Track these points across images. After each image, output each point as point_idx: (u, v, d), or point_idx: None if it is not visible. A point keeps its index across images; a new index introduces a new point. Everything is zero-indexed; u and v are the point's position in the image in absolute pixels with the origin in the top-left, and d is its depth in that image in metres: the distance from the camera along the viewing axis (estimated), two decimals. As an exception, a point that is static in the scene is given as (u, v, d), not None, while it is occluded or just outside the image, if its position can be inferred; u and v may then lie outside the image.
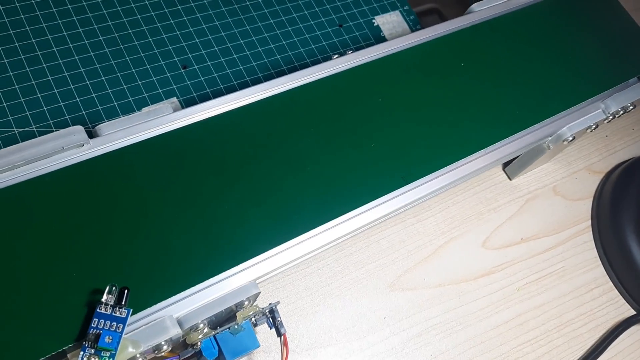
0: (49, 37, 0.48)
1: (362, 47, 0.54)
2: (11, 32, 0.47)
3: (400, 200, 0.42)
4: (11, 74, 0.46)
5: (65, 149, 0.36)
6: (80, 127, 0.37)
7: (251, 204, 0.38)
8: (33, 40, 0.48)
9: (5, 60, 0.46)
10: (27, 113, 0.45)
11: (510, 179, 0.55)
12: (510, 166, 0.55)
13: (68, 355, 0.32)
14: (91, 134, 0.38)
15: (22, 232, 0.34)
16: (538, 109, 0.48)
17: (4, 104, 0.44)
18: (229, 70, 0.52)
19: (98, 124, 0.38)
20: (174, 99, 0.49)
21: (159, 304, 0.34)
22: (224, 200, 0.38)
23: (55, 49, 0.48)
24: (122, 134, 0.38)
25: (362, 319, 0.47)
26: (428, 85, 0.47)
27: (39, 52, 0.47)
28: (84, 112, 0.46)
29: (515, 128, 0.47)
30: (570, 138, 0.48)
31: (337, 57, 0.47)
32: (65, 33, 0.49)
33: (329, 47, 0.55)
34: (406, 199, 0.42)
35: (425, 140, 0.44)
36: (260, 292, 0.37)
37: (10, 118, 0.44)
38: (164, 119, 0.39)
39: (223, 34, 0.53)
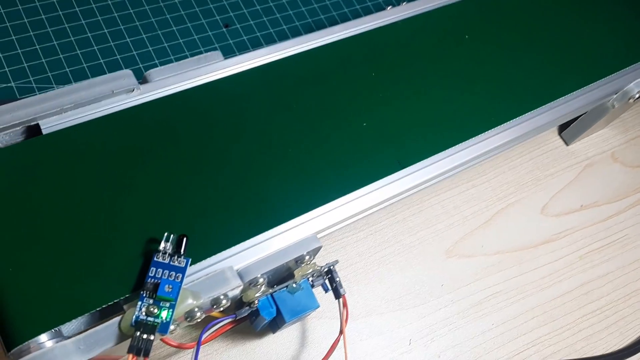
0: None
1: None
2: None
3: (462, 156, 0.40)
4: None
5: (114, 93, 0.34)
6: (129, 71, 0.35)
7: (316, 153, 0.36)
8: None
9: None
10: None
11: (567, 145, 0.53)
12: (567, 131, 0.52)
13: (124, 307, 0.30)
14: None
15: (71, 178, 0.32)
16: (604, 64, 0.46)
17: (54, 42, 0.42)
18: (272, 30, 0.50)
19: (148, 71, 0.36)
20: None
21: (218, 255, 0.32)
22: (287, 148, 0.36)
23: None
24: (173, 80, 0.36)
25: (418, 286, 0.44)
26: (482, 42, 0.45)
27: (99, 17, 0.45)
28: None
29: (579, 83, 0.44)
30: (637, 95, 0.45)
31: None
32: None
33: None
34: (466, 155, 0.40)
35: (480, 97, 0.42)
36: (321, 246, 0.35)
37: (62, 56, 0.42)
38: (216, 66, 0.37)
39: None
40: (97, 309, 0.29)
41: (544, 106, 0.43)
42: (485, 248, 0.46)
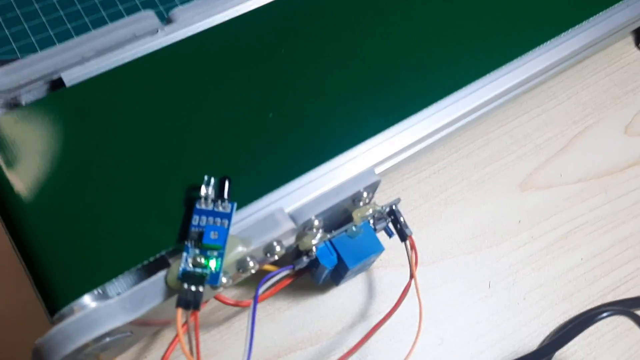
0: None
1: None
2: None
3: (526, 70, 0.35)
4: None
5: (137, 36, 0.31)
6: (151, 12, 0.32)
7: (369, 75, 0.32)
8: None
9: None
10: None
11: (646, 56, 0.47)
12: (645, 41, 0.46)
13: (170, 261, 0.27)
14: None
15: (101, 130, 0.29)
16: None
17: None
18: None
19: (172, 11, 0.33)
20: None
21: (265, 197, 0.29)
22: (334, 72, 0.32)
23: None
24: (200, 16, 0.33)
25: (492, 225, 0.39)
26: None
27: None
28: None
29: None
30: None
31: None
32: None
33: None
34: (532, 68, 0.35)
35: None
36: (380, 181, 0.31)
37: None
38: (244, -4, 0.33)
39: None
40: (141, 264, 0.27)
41: (615, 5, 0.37)
42: (564, 177, 0.41)
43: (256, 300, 0.29)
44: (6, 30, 0.38)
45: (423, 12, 0.35)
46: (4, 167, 0.27)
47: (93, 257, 0.26)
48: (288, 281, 0.33)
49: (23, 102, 0.30)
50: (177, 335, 0.27)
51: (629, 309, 0.36)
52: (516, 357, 0.36)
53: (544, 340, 0.37)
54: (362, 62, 0.33)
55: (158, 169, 0.29)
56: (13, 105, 0.29)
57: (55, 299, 0.26)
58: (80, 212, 0.27)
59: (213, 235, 0.26)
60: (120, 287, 0.28)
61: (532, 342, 0.37)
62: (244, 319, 0.35)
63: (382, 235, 0.33)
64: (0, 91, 0.29)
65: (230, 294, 0.35)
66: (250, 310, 0.28)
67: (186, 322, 0.29)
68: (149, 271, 0.28)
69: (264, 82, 0.31)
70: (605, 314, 0.32)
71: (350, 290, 0.37)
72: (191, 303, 0.25)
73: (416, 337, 0.30)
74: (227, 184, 0.28)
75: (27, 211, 0.27)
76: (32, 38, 0.37)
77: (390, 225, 0.34)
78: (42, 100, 0.29)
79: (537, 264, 0.39)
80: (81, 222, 0.27)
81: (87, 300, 0.26)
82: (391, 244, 0.34)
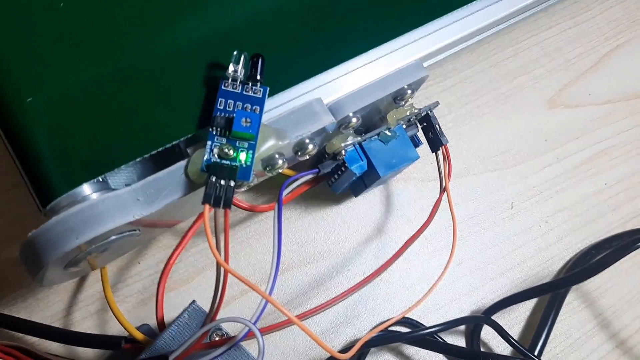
0: None
1: None
2: None
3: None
4: None
5: None
6: None
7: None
8: None
9: None
10: None
11: (683, -25, 0.43)
12: (684, -42, 0.43)
13: (188, 151, 0.23)
14: None
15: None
16: None
17: None
18: None
19: None
20: None
21: (300, 85, 0.24)
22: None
23: None
24: None
25: (518, 142, 0.36)
26: None
27: None
28: None
29: None
30: None
31: None
32: None
33: None
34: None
35: None
36: (428, 76, 0.27)
37: None
38: None
39: None
40: (153, 152, 0.22)
41: None
42: (593, 96, 0.39)
43: (280, 203, 0.25)
44: None
45: None
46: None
47: (95, 140, 0.22)
48: (306, 188, 0.29)
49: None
50: (204, 234, 0.23)
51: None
52: (536, 281, 0.34)
53: (564, 266, 0.35)
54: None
55: (174, 36, 0.23)
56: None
57: (47, 188, 0.21)
58: (78, 86, 0.22)
59: (244, 122, 0.22)
60: (121, 181, 0.23)
61: (553, 267, 0.35)
62: (249, 227, 0.32)
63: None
64: None
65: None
66: (275, 214, 0.24)
67: (192, 226, 0.25)
68: (161, 161, 0.23)
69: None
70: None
71: (367, 203, 0.33)
72: (221, 199, 0.21)
73: (451, 255, 0.28)
74: (260, 62, 0.23)
75: (14, 81, 0.21)
76: None
77: (420, 133, 0.30)
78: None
79: (560, 187, 0.36)
80: (80, 98, 0.22)
81: (88, 190, 0.21)
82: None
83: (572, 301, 0.34)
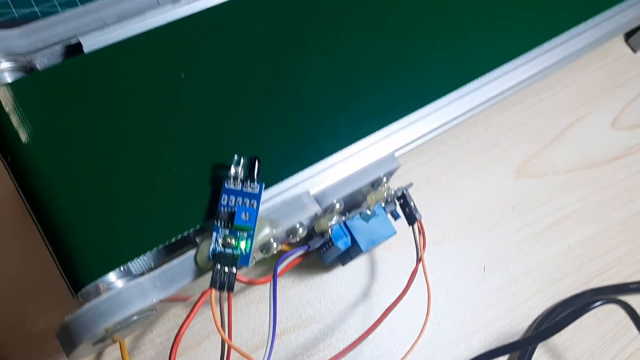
0: None
1: None
2: None
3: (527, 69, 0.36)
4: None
5: (160, 3, 0.30)
6: (174, -22, 0.30)
7: (394, 64, 0.32)
8: None
9: None
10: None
11: (634, 52, 0.48)
12: (634, 38, 0.48)
13: (197, 240, 0.27)
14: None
15: (123, 101, 0.28)
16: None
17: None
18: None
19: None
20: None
21: (290, 178, 0.29)
22: (362, 60, 0.32)
23: None
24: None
25: (488, 209, 0.41)
26: None
27: None
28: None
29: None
30: None
31: None
32: None
33: None
34: (532, 69, 0.36)
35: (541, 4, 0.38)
36: (400, 166, 0.31)
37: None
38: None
39: None
40: (167, 242, 0.26)
41: (608, 10, 0.39)
42: (555, 166, 0.43)
43: (276, 278, 0.29)
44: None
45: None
46: (22, 135, 0.26)
47: (117, 234, 0.26)
48: (298, 260, 0.33)
49: (38, 67, 0.28)
50: (208, 304, 0.27)
51: (611, 295, 0.38)
52: (507, 338, 0.38)
53: (532, 323, 0.39)
54: (387, 55, 0.33)
55: (183, 145, 0.28)
56: (29, 69, 0.28)
57: (78, 276, 0.25)
58: (104, 189, 0.26)
59: (244, 216, 0.26)
60: (141, 266, 0.27)
61: (522, 324, 0.38)
62: (249, 295, 0.36)
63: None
64: (16, 54, 0.27)
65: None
66: (271, 287, 0.28)
67: (199, 300, 0.29)
68: (174, 249, 0.27)
69: (290, 61, 0.31)
70: (598, 303, 0.34)
71: (354, 270, 0.37)
72: (225, 284, 0.25)
73: (425, 319, 0.31)
74: (257, 164, 0.27)
75: (49, 185, 0.26)
76: (54, 0, 0.35)
77: (398, 209, 0.34)
78: (59, 65, 0.28)
79: (528, 250, 0.40)
80: (103, 199, 0.26)
81: (113, 278, 0.25)
82: (396, 225, 0.34)
83: (540, 356, 0.38)
